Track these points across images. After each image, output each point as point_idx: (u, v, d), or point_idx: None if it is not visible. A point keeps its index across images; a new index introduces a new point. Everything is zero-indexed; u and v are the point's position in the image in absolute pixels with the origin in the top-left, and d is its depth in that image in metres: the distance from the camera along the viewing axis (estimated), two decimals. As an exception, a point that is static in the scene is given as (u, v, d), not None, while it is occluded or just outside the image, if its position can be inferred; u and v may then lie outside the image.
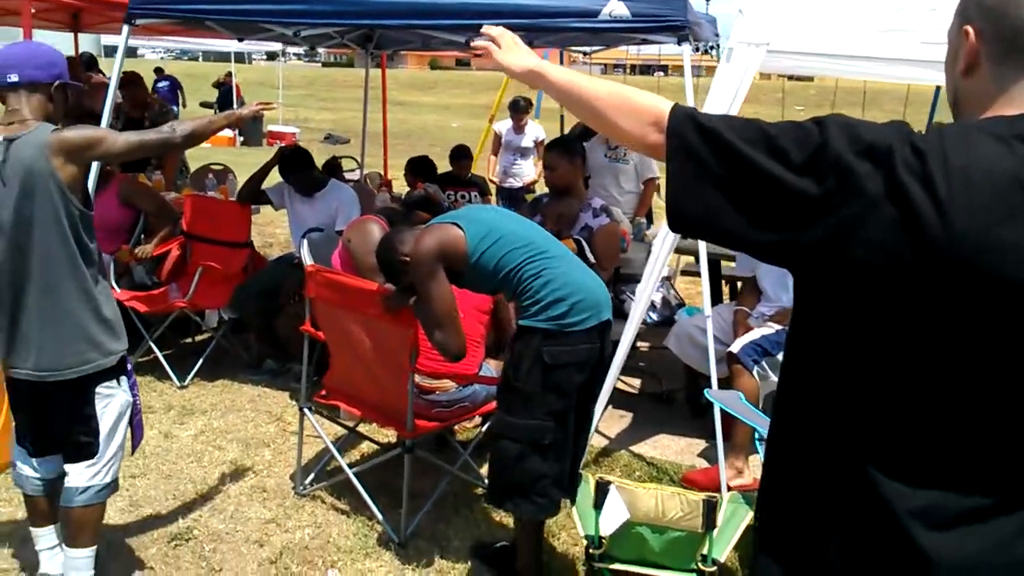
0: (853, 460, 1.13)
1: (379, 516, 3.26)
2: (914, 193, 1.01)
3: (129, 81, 6.05)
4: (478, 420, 3.77)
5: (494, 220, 2.87)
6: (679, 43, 3.75)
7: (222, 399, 4.50)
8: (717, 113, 1.34)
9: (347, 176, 6.69)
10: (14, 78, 2.48)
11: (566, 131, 7.58)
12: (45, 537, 2.77)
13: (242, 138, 16.81)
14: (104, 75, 8.31)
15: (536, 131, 7.57)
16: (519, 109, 7.46)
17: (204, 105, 19.12)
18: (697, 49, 4.67)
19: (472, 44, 1.59)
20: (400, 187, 7.41)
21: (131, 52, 4.39)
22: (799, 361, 1.21)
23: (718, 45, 5.37)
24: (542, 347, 2.65)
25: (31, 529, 2.79)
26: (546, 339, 2.66)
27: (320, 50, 8.47)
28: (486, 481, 3.49)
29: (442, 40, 6.01)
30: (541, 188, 6.60)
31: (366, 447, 3.96)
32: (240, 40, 5.97)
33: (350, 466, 3.44)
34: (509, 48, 1.52)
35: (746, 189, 1.11)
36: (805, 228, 1.07)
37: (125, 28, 4.31)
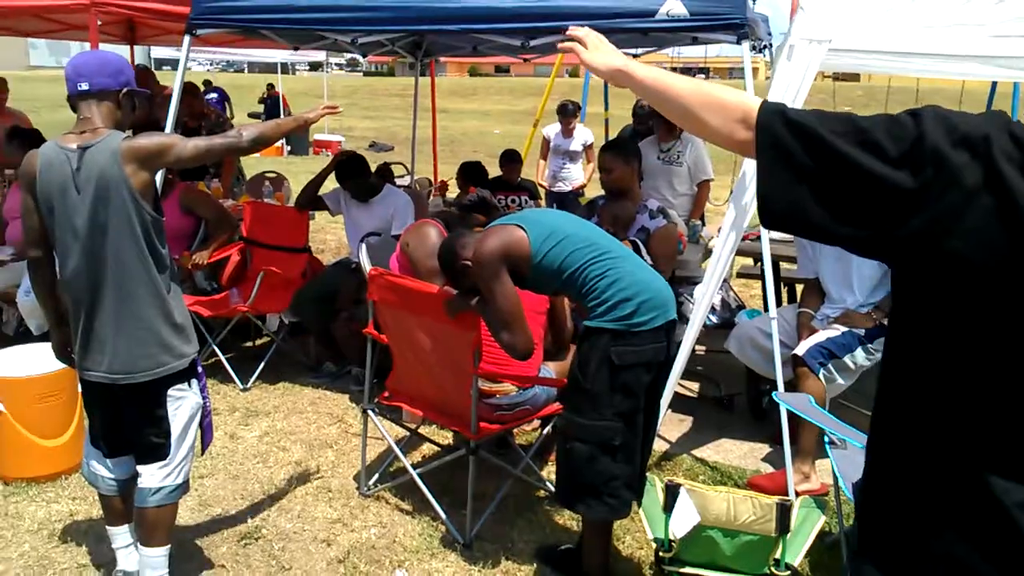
0: (961, 456, 1.11)
1: (443, 517, 3.27)
2: (1013, 182, 0.99)
3: (186, 91, 6.16)
4: (537, 423, 3.77)
5: (555, 222, 2.86)
6: (738, 41, 3.69)
7: (284, 401, 4.56)
8: (808, 109, 1.32)
9: (398, 182, 6.76)
10: (85, 86, 2.54)
11: (611, 136, 7.54)
12: (121, 536, 2.83)
13: (289, 147, 17.07)
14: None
15: (585, 135, 7.53)
16: (568, 113, 7.41)
17: (252, 116, 19.44)
18: (754, 48, 4.60)
19: (559, 46, 1.61)
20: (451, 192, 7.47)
21: (178, 64, 4.48)
22: (901, 358, 1.19)
23: (771, 44, 5.31)
24: (610, 347, 2.64)
25: (107, 528, 2.85)
26: (614, 339, 2.64)
27: (362, 59, 8.55)
28: (548, 484, 3.50)
29: (492, 45, 6.01)
30: (590, 192, 6.59)
31: (426, 449, 3.98)
32: (295, 49, 6.04)
33: (413, 467, 3.46)
34: (595, 47, 1.53)
35: (839, 183, 1.09)
36: (901, 221, 1.05)
37: (186, 39, 4.30)
